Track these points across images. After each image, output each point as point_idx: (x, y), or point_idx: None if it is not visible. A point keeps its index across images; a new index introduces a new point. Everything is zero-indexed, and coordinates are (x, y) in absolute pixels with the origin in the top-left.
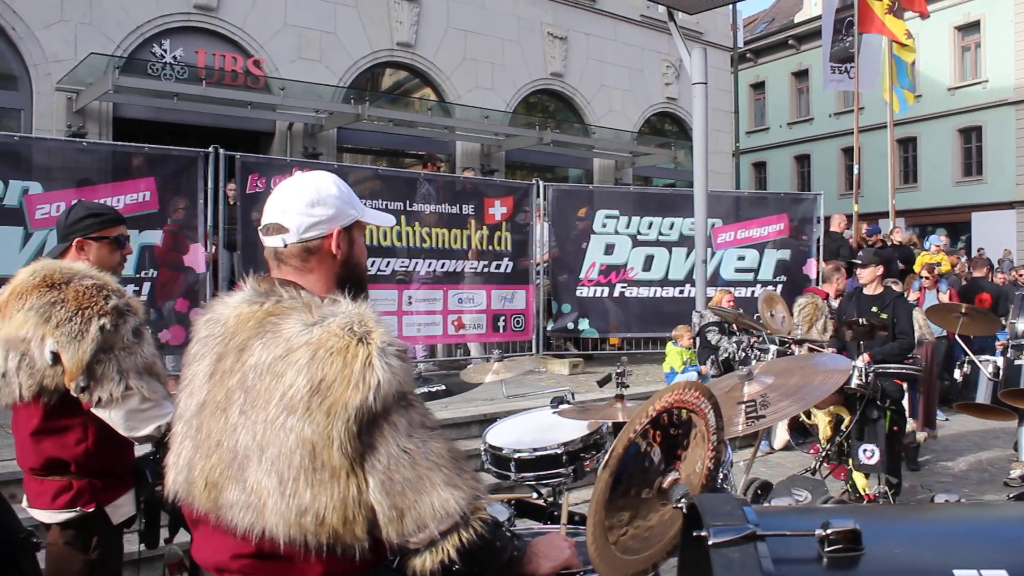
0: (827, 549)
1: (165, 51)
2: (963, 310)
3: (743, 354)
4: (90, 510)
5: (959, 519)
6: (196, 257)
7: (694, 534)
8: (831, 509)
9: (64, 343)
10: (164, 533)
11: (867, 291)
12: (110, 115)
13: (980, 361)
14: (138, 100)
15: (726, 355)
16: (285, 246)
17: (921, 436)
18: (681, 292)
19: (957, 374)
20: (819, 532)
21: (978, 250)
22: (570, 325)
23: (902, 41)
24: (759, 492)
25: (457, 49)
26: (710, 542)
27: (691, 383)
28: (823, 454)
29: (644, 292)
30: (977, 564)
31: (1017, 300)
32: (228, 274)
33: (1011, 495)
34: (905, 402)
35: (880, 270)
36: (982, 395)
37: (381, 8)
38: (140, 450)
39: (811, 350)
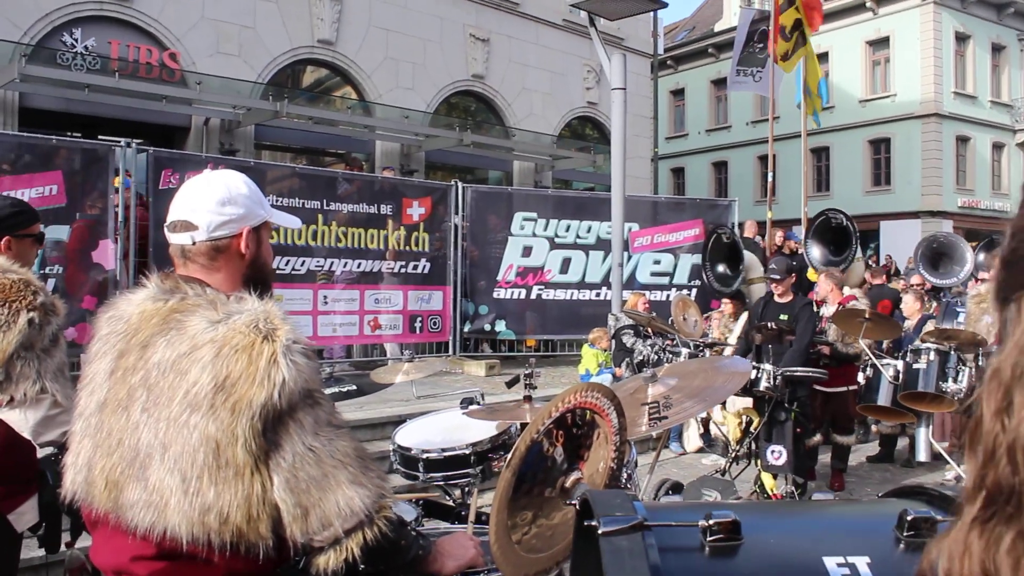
0: (709, 539)
1: (76, 40)
2: (867, 315)
3: (656, 357)
4: None
5: (830, 513)
6: (105, 253)
7: (585, 524)
8: (715, 504)
9: None
10: (66, 537)
11: (778, 298)
12: (16, 105)
13: (882, 365)
14: (47, 90)
15: (640, 358)
16: (193, 244)
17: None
18: (597, 295)
19: (860, 377)
20: (702, 523)
21: (887, 257)
22: (487, 327)
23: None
24: (670, 492)
25: (378, 48)
26: (600, 531)
27: (594, 384)
28: (732, 455)
29: (561, 294)
30: (844, 552)
31: (942, 307)
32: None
33: (881, 494)
34: None
35: (792, 278)
36: (883, 397)
37: (302, 4)
38: (41, 452)
39: (718, 353)
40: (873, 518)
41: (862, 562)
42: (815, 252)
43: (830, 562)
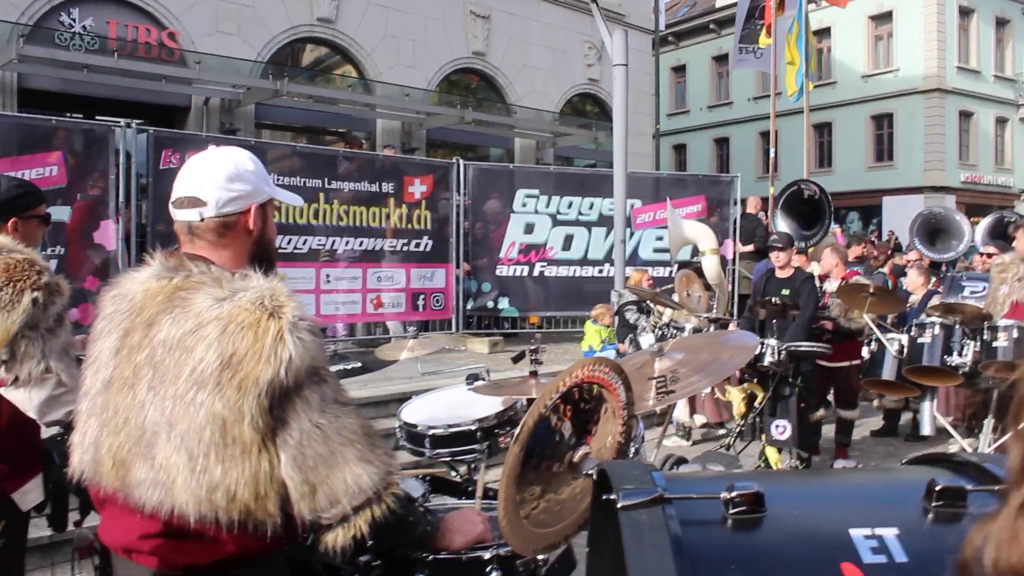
0: (731, 511)
1: (74, 20)
2: (871, 290)
3: (660, 332)
4: None
5: (855, 483)
6: (107, 234)
7: (603, 498)
8: (736, 474)
9: None
10: (74, 516)
11: (779, 274)
12: (15, 85)
13: (886, 339)
14: (45, 71)
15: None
16: (201, 220)
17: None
18: (600, 271)
19: (865, 352)
20: (724, 495)
21: (889, 232)
22: (490, 304)
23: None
24: (675, 467)
25: (378, 26)
26: (619, 505)
27: (601, 359)
28: (737, 430)
29: (564, 271)
30: (871, 523)
31: (947, 281)
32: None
33: (904, 460)
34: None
35: (794, 250)
36: (887, 372)
37: None
38: (46, 431)
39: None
40: (900, 488)
41: (890, 533)
42: (783, 226)
43: (857, 534)
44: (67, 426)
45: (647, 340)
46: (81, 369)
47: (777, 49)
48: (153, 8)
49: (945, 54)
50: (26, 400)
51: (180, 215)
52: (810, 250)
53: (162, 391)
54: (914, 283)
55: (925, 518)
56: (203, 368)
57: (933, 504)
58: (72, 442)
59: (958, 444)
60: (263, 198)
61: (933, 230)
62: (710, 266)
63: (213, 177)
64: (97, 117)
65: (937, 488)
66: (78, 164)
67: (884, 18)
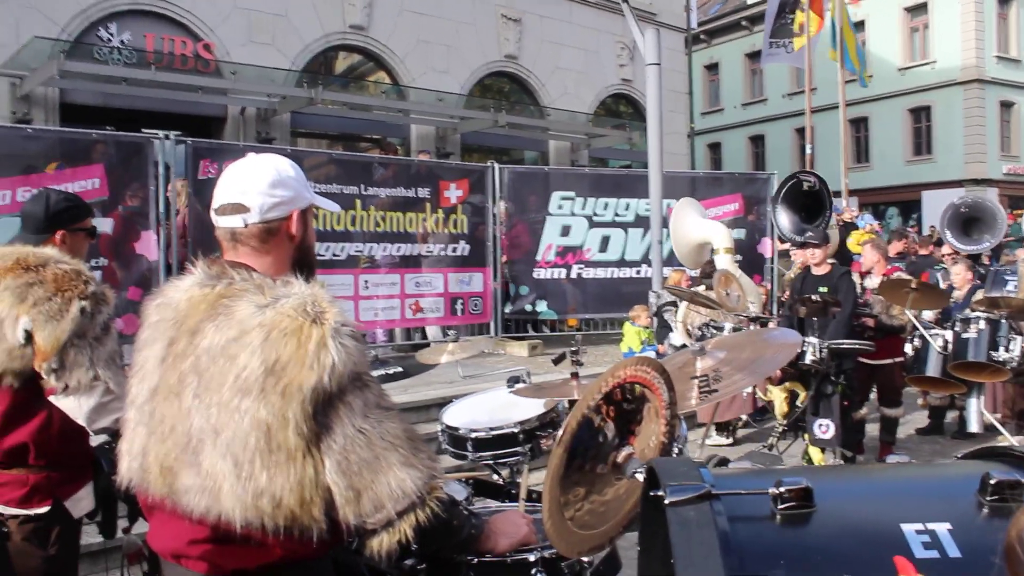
0: (780, 507)
1: (112, 35)
2: (913, 285)
3: (699, 332)
4: (43, 509)
5: (906, 478)
6: (148, 245)
7: (651, 494)
8: (784, 470)
9: (41, 322)
10: (123, 523)
11: (815, 271)
12: (56, 101)
13: (930, 335)
14: (85, 85)
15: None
16: (245, 226)
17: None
18: (638, 272)
19: (908, 348)
20: (772, 491)
21: (930, 227)
22: (528, 307)
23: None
24: (717, 467)
25: (411, 31)
26: (666, 501)
27: (643, 358)
28: (779, 430)
29: (601, 273)
30: (923, 518)
31: (990, 275)
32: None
33: (958, 455)
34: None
35: (828, 247)
36: (932, 368)
37: None
38: (94, 439)
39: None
40: (953, 482)
41: (943, 528)
42: (783, 219)
43: (908, 529)
44: (114, 434)
45: (676, 338)
46: (128, 377)
47: (811, 44)
48: (189, 21)
49: (984, 44)
50: (76, 408)
51: (223, 222)
52: None
53: (207, 398)
54: (961, 278)
55: (979, 512)
56: (247, 375)
57: (988, 498)
58: (120, 450)
59: (1007, 441)
60: (304, 204)
61: (966, 220)
62: (724, 266)
63: (256, 183)
64: (141, 130)
65: (992, 482)
66: (119, 176)
67: (919, 9)
